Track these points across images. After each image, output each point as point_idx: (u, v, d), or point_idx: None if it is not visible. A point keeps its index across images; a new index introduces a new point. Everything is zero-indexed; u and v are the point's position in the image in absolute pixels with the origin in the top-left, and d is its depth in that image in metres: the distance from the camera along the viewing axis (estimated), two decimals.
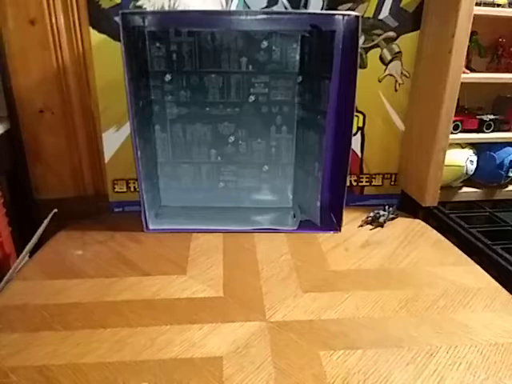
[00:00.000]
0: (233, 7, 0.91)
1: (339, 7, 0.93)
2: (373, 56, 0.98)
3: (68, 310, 0.65)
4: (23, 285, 0.73)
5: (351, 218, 0.99)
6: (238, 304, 0.68)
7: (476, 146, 1.03)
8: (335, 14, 0.87)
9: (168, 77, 0.93)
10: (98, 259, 0.81)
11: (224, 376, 0.53)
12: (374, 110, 1.03)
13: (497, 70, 1.02)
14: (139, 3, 0.89)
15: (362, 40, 0.96)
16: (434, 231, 0.95)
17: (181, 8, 0.90)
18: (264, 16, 0.87)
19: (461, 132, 0.98)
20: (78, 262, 0.80)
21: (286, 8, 0.93)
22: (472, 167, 1.01)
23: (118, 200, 1.04)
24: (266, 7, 0.92)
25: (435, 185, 0.98)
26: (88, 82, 0.94)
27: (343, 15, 0.84)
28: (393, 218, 0.99)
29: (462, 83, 0.89)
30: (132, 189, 1.03)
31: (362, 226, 0.97)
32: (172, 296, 0.69)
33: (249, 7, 0.92)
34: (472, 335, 0.60)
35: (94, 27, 0.90)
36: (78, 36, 0.90)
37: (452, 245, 0.88)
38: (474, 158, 1.01)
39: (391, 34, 0.97)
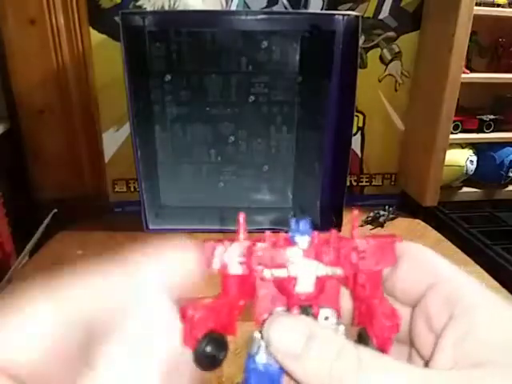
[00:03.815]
0: (233, 7, 0.91)
1: (339, 7, 0.93)
2: (373, 56, 0.98)
3: None
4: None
5: (351, 218, 0.99)
6: None
7: (476, 146, 1.03)
8: (335, 14, 0.87)
9: (168, 77, 0.93)
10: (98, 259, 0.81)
11: (224, 376, 0.53)
12: (373, 110, 1.03)
13: (497, 70, 1.02)
14: (139, 3, 0.89)
15: (361, 40, 0.96)
16: (434, 231, 0.94)
17: (181, 8, 0.90)
18: (264, 16, 0.88)
19: (461, 132, 0.99)
20: (78, 262, 0.80)
21: (285, 8, 0.93)
22: (472, 167, 1.01)
23: (118, 200, 1.04)
24: (266, 7, 0.92)
25: (435, 185, 0.98)
26: (88, 82, 0.94)
27: (343, 15, 0.84)
28: (393, 218, 0.99)
29: (461, 83, 0.89)
30: (132, 189, 1.03)
31: (362, 225, 0.97)
32: None
33: (249, 7, 0.92)
34: None
35: (94, 27, 0.90)
36: (78, 36, 0.90)
37: (452, 245, 0.88)
38: (474, 158, 1.02)
39: (391, 33, 0.97)
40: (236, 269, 0.17)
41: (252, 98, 0.95)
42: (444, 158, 0.95)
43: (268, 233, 0.18)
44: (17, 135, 0.95)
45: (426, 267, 0.18)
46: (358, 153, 1.07)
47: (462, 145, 1.02)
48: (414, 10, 0.96)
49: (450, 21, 0.85)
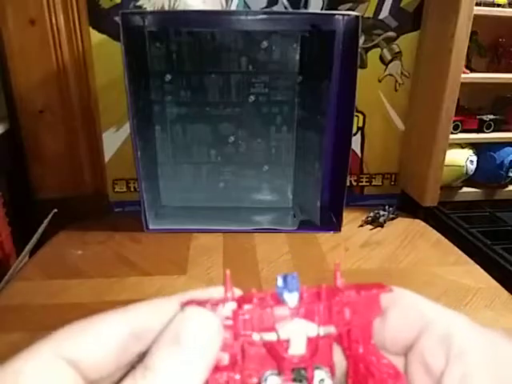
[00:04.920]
0: (233, 7, 0.91)
1: (339, 7, 0.93)
2: (373, 56, 0.98)
3: (68, 310, 0.65)
4: (23, 285, 0.73)
5: (351, 218, 0.99)
6: None
7: (476, 146, 1.03)
8: (335, 14, 0.87)
9: (168, 77, 0.93)
10: (98, 259, 0.81)
11: None
12: (374, 110, 1.03)
13: (497, 70, 1.02)
14: (139, 3, 0.89)
15: (361, 40, 0.96)
16: (434, 231, 0.95)
17: (181, 8, 0.90)
18: (264, 16, 0.87)
19: (461, 132, 0.98)
20: (78, 261, 0.80)
21: (285, 8, 0.93)
22: (472, 167, 1.01)
23: (118, 200, 1.04)
24: (266, 7, 0.92)
25: (435, 185, 0.98)
26: (88, 82, 0.94)
27: (343, 15, 0.84)
28: (393, 218, 0.99)
29: (462, 83, 0.89)
30: (132, 189, 1.03)
31: (362, 226, 0.97)
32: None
33: (249, 7, 0.92)
34: None
35: (94, 27, 0.90)
36: (78, 36, 0.90)
37: (452, 245, 0.88)
38: (474, 158, 1.01)
39: (391, 33, 0.97)
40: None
41: (252, 97, 0.96)
42: (444, 158, 0.95)
43: (255, 291, 0.17)
44: (17, 135, 0.95)
45: (415, 312, 0.18)
46: (358, 153, 1.07)
47: (461, 145, 1.02)
48: (414, 10, 0.96)
49: (450, 21, 0.85)
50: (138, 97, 0.85)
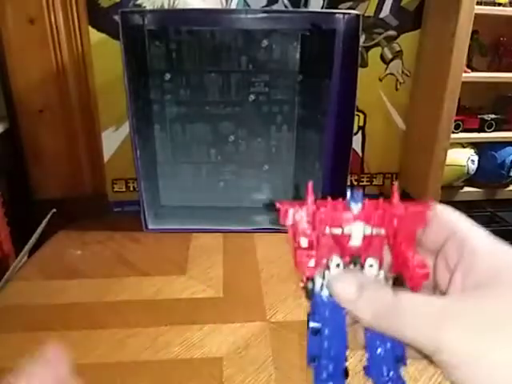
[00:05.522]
0: (233, 6, 0.91)
1: (340, 6, 0.93)
2: (373, 55, 0.98)
3: (67, 310, 0.65)
4: (22, 285, 0.73)
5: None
6: (238, 304, 0.67)
7: (477, 146, 1.03)
8: (336, 13, 0.86)
9: (168, 76, 0.92)
10: (98, 259, 0.81)
11: (224, 376, 0.52)
12: (374, 109, 1.02)
13: (498, 69, 1.02)
14: (139, 2, 0.88)
15: (362, 39, 0.95)
16: None
17: (180, 6, 0.90)
18: (264, 14, 0.87)
19: (462, 131, 0.98)
20: (77, 262, 0.80)
21: (286, 7, 0.92)
22: (473, 167, 1.01)
23: (117, 200, 1.04)
24: (266, 6, 0.92)
25: (436, 184, 0.97)
26: (87, 81, 0.94)
27: (344, 14, 0.84)
28: None
29: (463, 82, 0.89)
30: (131, 188, 1.03)
31: None
32: (172, 296, 0.69)
33: (249, 6, 0.92)
34: None
35: (93, 26, 0.89)
36: (78, 35, 0.90)
37: None
38: (475, 158, 1.01)
39: (392, 32, 0.97)
40: (304, 225, 0.23)
41: (252, 97, 0.95)
42: (445, 158, 0.95)
43: (330, 199, 0.24)
44: (16, 135, 0.94)
45: (448, 223, 0.23)
46: (359, 152, 1.06)
47: (463, 144, 1.01)
48: (415, 9, 0.95)
49: (450, 20, 0.85)
50: (137, 96, 0.85)
